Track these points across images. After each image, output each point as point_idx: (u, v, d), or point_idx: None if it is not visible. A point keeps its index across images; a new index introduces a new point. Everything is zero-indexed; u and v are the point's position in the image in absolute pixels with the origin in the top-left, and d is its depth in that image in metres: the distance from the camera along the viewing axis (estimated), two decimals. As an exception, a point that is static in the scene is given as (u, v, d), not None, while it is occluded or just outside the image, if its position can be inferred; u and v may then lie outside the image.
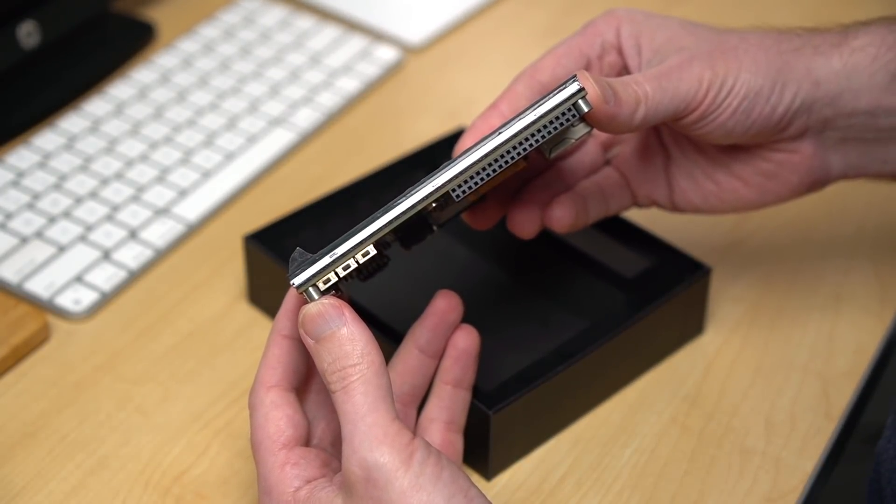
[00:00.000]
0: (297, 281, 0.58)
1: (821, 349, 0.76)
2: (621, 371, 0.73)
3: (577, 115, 0.59)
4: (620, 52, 0.68)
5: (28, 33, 0.91)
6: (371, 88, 0.96)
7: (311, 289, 0.58)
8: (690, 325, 0.75)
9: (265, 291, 0.76)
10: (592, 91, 0.61)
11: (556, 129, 0.59)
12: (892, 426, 0.61)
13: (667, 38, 0.67)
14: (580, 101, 0.59)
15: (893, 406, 0.61)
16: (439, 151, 0.81)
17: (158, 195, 0.84)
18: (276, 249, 0.74)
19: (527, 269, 0.77)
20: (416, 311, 0.66)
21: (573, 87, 0.59)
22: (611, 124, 0.63)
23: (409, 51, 1.00)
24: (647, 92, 0.64)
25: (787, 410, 0.72)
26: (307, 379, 0.63)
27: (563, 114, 0.59)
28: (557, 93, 0.59)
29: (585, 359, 0.69)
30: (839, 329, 0.77)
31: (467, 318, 0.67)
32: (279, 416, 0.60)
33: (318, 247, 0.67)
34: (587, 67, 0.69)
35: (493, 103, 0.68)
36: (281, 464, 0.59)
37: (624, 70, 0.69)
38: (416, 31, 1.02)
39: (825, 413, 0.72)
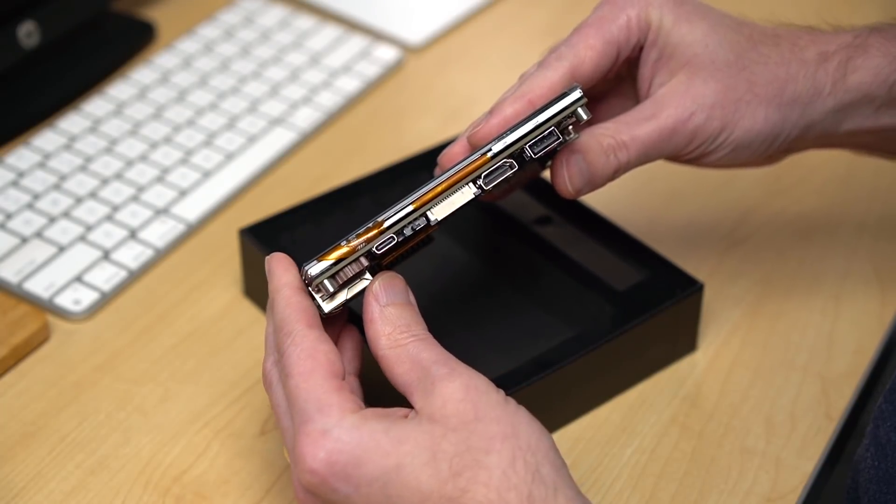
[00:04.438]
0: (313, 271, 0.59)
1: (821, 350, 0.76)
2: (606, 383, 0.71)
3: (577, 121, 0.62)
4: (640, 50, 0.69)
5: (28, 33, 0.91)
6: (371, 88, 0.96)
7: (326, 281, 0.59)
8: (682, 341, 0.74)
9: (260, 285, 0.76)
10: (563, 184, 0.66)
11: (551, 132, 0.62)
12: (870, 435, 0.61)
13: (687, 45, 0.68)
14: (579, 109, 0.62)
15: (873, 415, 0.61)
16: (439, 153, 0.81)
17: (158, 195, 0.84)
18: (271, 244, 0.74)
19: (519, 276, 0.77)
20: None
21: (575, 95, 0.62)
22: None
23: (409, 51, 1.00)
24: (628, 160, 0.67)
25: (787, 410, 0.72)
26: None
27: (563, 120, 0.62)
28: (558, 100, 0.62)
29: (564, 369, 0.68)
30: (839, 329, 0.77)
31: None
32: (328, 349, 0.59)
33: (315, 244, 0.67)
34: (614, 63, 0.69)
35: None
36: (337, 388, 0.58)
37: (633, 62, 0.69)
38: (416, 31, 1.02)
39: (825, 413, 0.72)
